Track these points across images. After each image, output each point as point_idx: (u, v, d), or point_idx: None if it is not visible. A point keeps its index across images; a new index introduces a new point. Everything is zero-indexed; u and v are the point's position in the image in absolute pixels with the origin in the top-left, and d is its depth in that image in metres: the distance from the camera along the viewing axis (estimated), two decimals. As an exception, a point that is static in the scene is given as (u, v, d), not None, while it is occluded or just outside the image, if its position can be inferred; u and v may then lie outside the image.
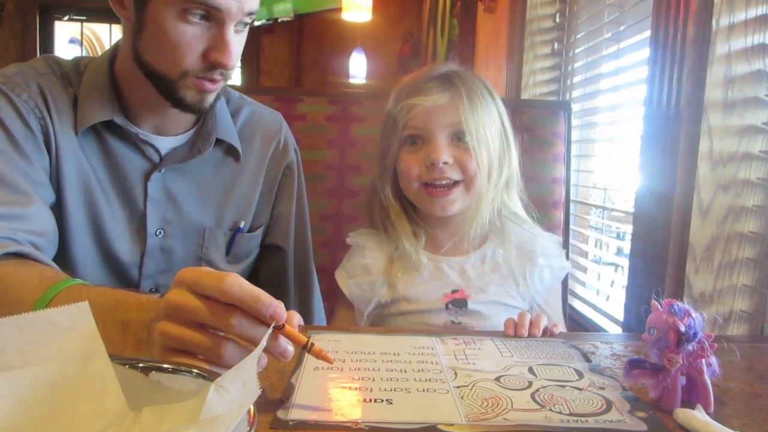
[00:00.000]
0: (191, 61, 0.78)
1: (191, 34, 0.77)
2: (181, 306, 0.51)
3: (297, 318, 0.69)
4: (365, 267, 0.94)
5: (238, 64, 0.84)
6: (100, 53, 0.93)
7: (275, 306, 0.50)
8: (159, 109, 0.87)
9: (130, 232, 0.89)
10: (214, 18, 0.77)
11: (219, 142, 0.93)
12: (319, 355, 0.54)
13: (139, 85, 0.85)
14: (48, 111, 0.83)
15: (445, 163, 0.87)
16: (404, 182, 0.92)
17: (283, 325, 0.51)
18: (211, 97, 0.84)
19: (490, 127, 0.90)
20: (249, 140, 0.98)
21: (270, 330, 0.49)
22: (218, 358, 0.51)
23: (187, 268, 0.53)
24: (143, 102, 0.87)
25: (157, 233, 0.90)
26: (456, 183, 0.89)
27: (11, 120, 0.80)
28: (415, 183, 0.90)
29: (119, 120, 0.85)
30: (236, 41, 0.80)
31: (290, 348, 0.53)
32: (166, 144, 0.90)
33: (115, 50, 0.90)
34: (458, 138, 0.88)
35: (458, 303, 0.89)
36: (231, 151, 0.96)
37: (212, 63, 0.79)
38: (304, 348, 0.53)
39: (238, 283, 0.50)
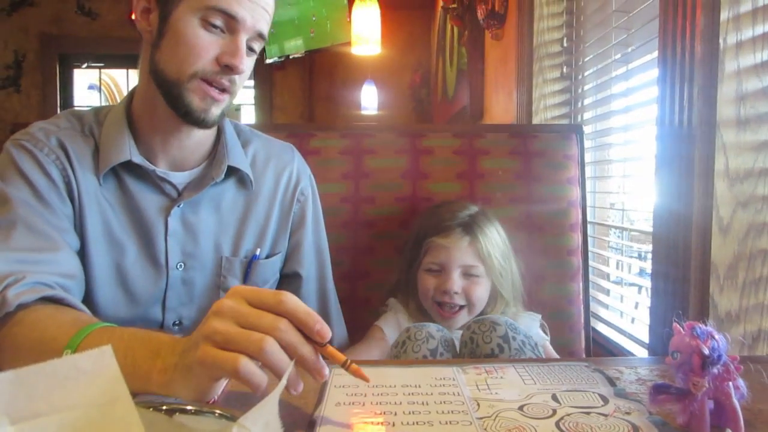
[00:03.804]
0: (204, 62, 0.83)
1: (208, 40, 0.83)
2: (234, 307, 0.54)
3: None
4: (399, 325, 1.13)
5: (245, 84, 0.90)
6: (118, 98, 0.97)
7: (323, 323, 0.55)
8: (173, 140, 0.90)
9: (151, 267, 0.91)
10: (230, 28, 0.83)
11: (232, 171, 0.96)
12: (356, 374, 0.57)
13: (153, 114, 0.88)
14: (69, 162, 0.86)
15: (456, 293, 1.09)
16: (422, 296, 1.13)
17: (326, 343, 0.55)
18: (215, 110, 0.87)
19: (494, 264, 1.13)
20: (262, 170, 1.01)
21: (292, 364, 0.50)
22: (260, 351, 0.52)
23: (242, 285, 0.57)
24: (158, 134, 0.90)
25: (178, 266, 0.92)
26: (462, 307, 1.10)
27: (34, 174, 0.84)
28: (429, 300, 1.12)
29: (137, 159, 0.88)
30: (246, 58, 0.85)
31: (326, 371, 0.56)
32: (182, 179, 0.93)
33: (132, 94, 0.94)
34: (468, 274, 1.11)
35: None
36: (244, 181, 0.98)
37: (223, 65, 0.83)
38: (343, 365, 0.57)
39: (293, 299, 0.55)
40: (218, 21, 0.82)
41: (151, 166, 0.90)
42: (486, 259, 1.11)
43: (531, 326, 1.13)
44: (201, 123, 0.87)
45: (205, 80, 0.84)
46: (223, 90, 0.85)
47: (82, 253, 0.86)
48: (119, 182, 0.90)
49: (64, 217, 0.84)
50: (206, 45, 0.83)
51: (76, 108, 0.97)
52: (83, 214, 0.86)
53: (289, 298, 0.54)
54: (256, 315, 0.54)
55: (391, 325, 1.12)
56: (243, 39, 0.84)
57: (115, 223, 0.89)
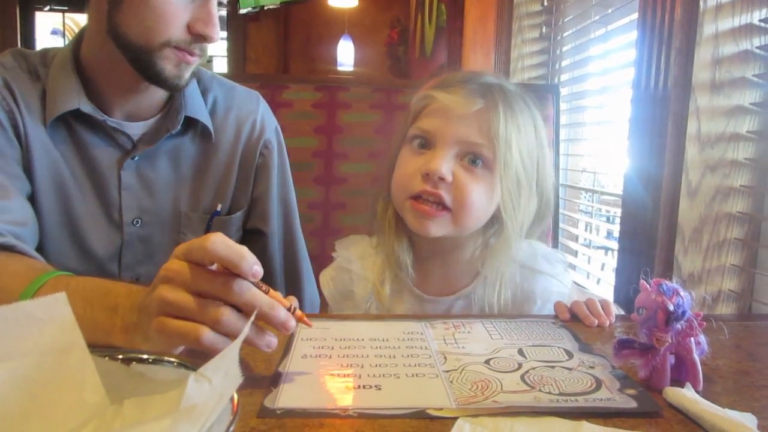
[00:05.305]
0: (175, 31, 0.77)
1: (176, 4, 0.76)
2: (180, 272, 0.52)
3: (295, 302, 0.69)
4: (350, 293, 0.87)
5: (219, 41, 0.85)
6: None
7: (256, 262, 0.51)
8: (130, 93, 0.85)
9: (105, 223, 0.88)
10: None
11: (190, 122, 0.90)
12: (300, 320, 0.56)
13: (109, 68, 0.83)
14: (16, 103, 0.81)
15: (441, 178, 0.73)
16: (395, 190, 0.80)
17: (268, 289, 0.54)
18: (187, 73, 0.82)
19: (512, 159, 0.75)
20: (222, 119, 0.95)
21: (252, 317, 0.49)
22: (216, 322, 0.51)
23: (181, 244, 0.54)
24: (114, 86, 0.85)
25: (134, 223, 0.89)
26: (445, 208, 0.76)
27: None
28: (404, 195, 0.78)
29: (86, 108, 0.83)
30: (218, 16, 0.80)
31: (292, 322, 0.54)
32: (137, 130, 0.88)
33: (80, 37, 0.87)
34: (471, 161, 0.75)
35: None
36: (203, 132, 0.93)
37: (197, 34, 0.78)
38: (287, 310, 0.55)
39: (219, 242, 0.51)
40: None
41: (102, 116, 0.84)
42: (500, 143, 0.73)
43: (556, 286, 0.84)
44: (174, 88, 0.83)
45: (177, 48, 0.78)
46: (196, 54, 0.81)
47: (31, 201, 0.82)
48: (69, 130, 0.85)
49: (13, 162, 0.80)
50: (176, 11, 0.76)
51: (22, 48, 0.90)
52: (31, 160, 0.82)
53: (215, 244, 0.50)
54: (206, 279, 0.51)
55: (337, 284, 0.88)
56: (214, 2, 0.78)
57: (66, 174, 0.85)
